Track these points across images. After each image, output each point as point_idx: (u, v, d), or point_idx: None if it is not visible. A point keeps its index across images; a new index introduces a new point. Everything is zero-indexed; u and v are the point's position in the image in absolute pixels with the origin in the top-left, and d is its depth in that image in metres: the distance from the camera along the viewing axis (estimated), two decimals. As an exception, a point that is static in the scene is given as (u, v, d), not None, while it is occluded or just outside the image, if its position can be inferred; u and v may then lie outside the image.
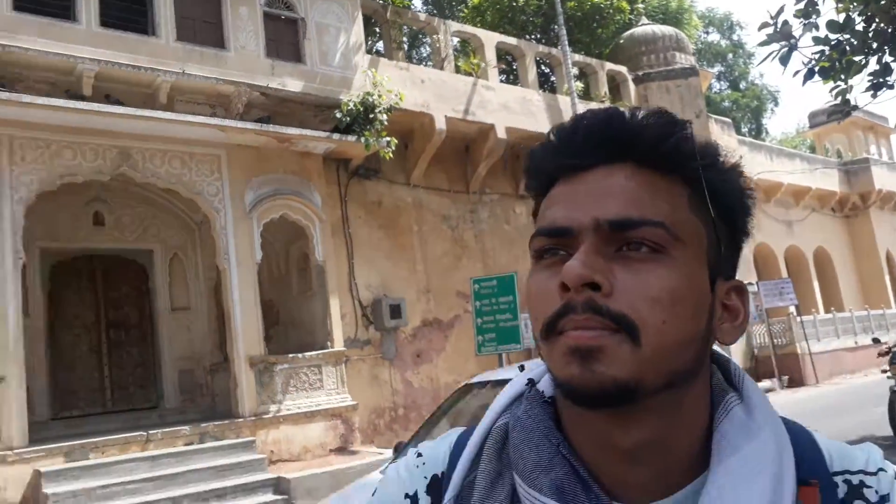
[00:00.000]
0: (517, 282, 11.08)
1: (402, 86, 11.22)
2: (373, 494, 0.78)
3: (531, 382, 0.74)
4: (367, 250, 11.60)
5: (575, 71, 14.62)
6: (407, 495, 0.75)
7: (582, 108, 13.74)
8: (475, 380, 4.70)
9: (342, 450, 9.41)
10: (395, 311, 11.30)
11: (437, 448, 0.78)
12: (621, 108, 0.69)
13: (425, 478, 0.76)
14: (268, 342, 9.66)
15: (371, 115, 10.48)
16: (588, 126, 0.68)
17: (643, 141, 0.66)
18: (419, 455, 0.78)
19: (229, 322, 9.21)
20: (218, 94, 9.71)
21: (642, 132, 0.67)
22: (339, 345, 10.01)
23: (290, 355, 9.55)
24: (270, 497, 7.77)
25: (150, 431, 8.22)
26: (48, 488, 7.03)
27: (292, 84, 10.20)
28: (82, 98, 8.45)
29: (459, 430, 0.79)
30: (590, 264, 0.62)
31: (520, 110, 13.31)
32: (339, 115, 10.31)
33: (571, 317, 0.62)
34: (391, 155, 10.78)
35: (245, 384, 9.00)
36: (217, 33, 9.65)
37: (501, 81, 13.93)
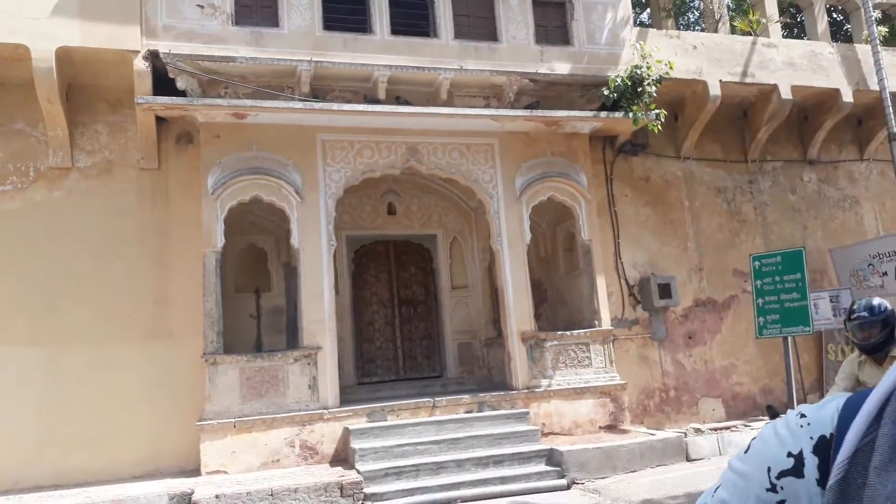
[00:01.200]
0: (805, 257, 10.11)
1: (672, 54, 10.73)
2: (745, 452, 0.80)
3: None
4: (633, 228, 11.40)
5: (877, 14, 12.57)
6: (790, 454, 0.76)
7: (887, 56, 11.81)
8: None
9: (612, 428, 9.51)
10: (665, 291, 10.99)
11: (822, 409, 0.77)
12: None
13: (811, 438, 0.76)
14: (537, 319, 10.07)
15: (639, 89, 10.21)
16: None
17: None
18: (802, 416, 0.78)
19: (502, 299, 9.77)
20: (491, 86, 10.20)
21: None
22: (606, 324, 10.06)
23: (559, 332, 9.84)
24: (543, 467, 8.05)
25: (436, 398, 9.02)
26: (355, 444, 8.09)
27: (560, 67, 10.33)
28: (378, 101, 9.49)
29: (846, 394, 0.79)
30: None
31: (808, 66, 11.88)
32: (606, 92, 10.21)
33: None
34: (660, 128, 10.40)
35: (518, 358, 9.50)
36: (490, 27, 10.14)
37: (784, 37, 12.53)
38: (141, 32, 8.60)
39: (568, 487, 7.88)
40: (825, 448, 0.74)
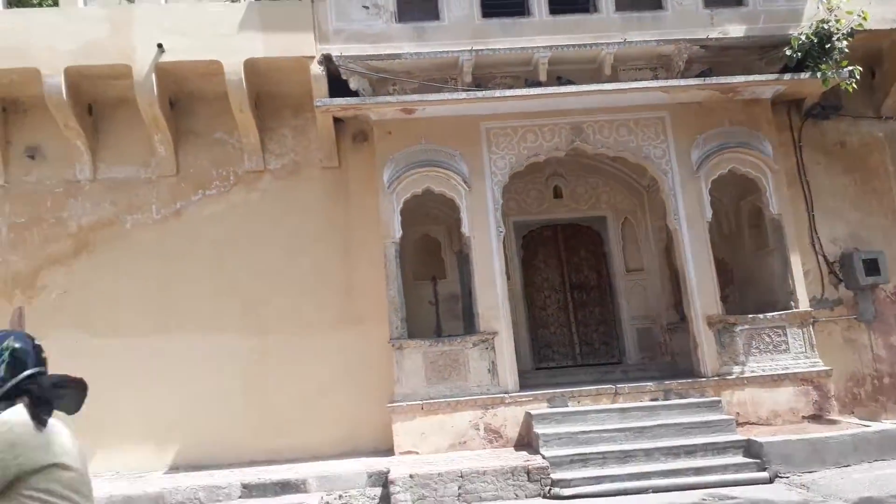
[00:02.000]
0: None
1: (865, 3, 9.59)
2: None
3: None
4: (828, 199, 10.32)
5: None
6: None
7: None
8: None
9: (817, 418, 8.66)
10: (872, 267, 9.83)
11: None
12: None
13: None
14: (724, 302, 9.41)
15: (827, 45, 9.26)
16: None
17: None
18: None
19: (684, 282, 9.25)
20: (658, 56, 9.76)
21: None
22: (803, 305, 9.18)
23: (750, 316, 9.13)
24: (741, 459, 7.55)
25: (618, 385, 8.77)
26: (538, 429, 8.06)
27: (733, 30, 9.63)
28: (539, 84, 9.39)
29: None
30: None
31: None
32: (788, 52, 9.36)
33: None
34: (854, 86, 9.34)
35: (705, 344, 8.94)
36: (654, -5, 9.70)
37: None
38: (314, 38, 9.16)
39: (770, 481, 7.31)
40: None
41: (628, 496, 7.10)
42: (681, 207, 9.29)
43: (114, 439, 8.97)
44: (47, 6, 12.01)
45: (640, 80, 9.65)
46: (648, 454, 7.62)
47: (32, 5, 12.32)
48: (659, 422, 8.09)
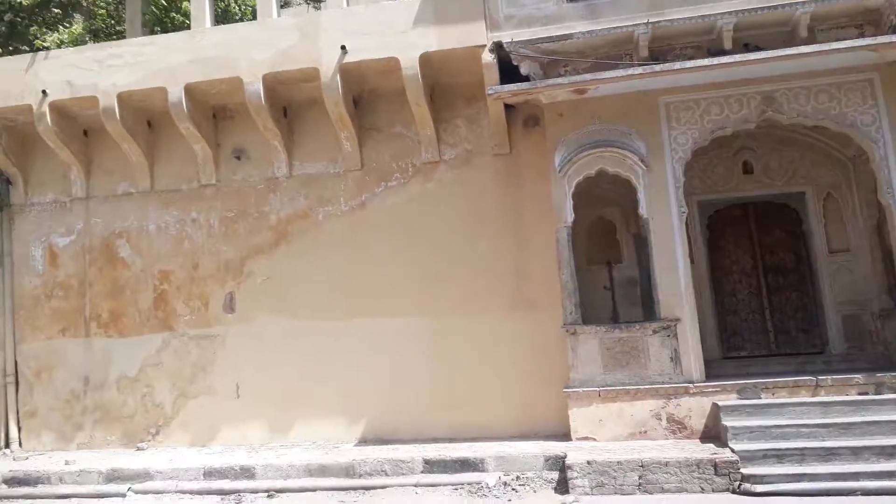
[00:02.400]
0: None
1: None
2: None
3: None
4: None
5: None
6: None
7: None
8: None
9: None
10: None
11: None
12: None
13: None
14: (951, 286, 8.23)
15: None
16: None
17: None
18: None
19: (899, 264, 8.22)
20: (864, 11, 8.75)
21: None
22: None
23: None
24: (979, 465, 6.63)
25: (819, 377, 8.02)
26: (726, 421, 7.62)
27: (963, -30, 8.31)
28: (723, 52, 8.76)
29: None
30: None
31: None
32: None
33: None
34: None
35: (926, 333, 7.91)
36: (862, -59, 8.64)
37: None
38: (486, 27, 9.32)
39: None
40: None
41: (831, 497, 6.53)
42: (895, 180, 8.24)
43: (311, 412, 9.95)
44: (247, 20, 13.31)
45: (843, 39, 8.65)
46: (856, 453, 6.95)
47: (236, 20, 13.72)
48: (869, 418, 7.34)
